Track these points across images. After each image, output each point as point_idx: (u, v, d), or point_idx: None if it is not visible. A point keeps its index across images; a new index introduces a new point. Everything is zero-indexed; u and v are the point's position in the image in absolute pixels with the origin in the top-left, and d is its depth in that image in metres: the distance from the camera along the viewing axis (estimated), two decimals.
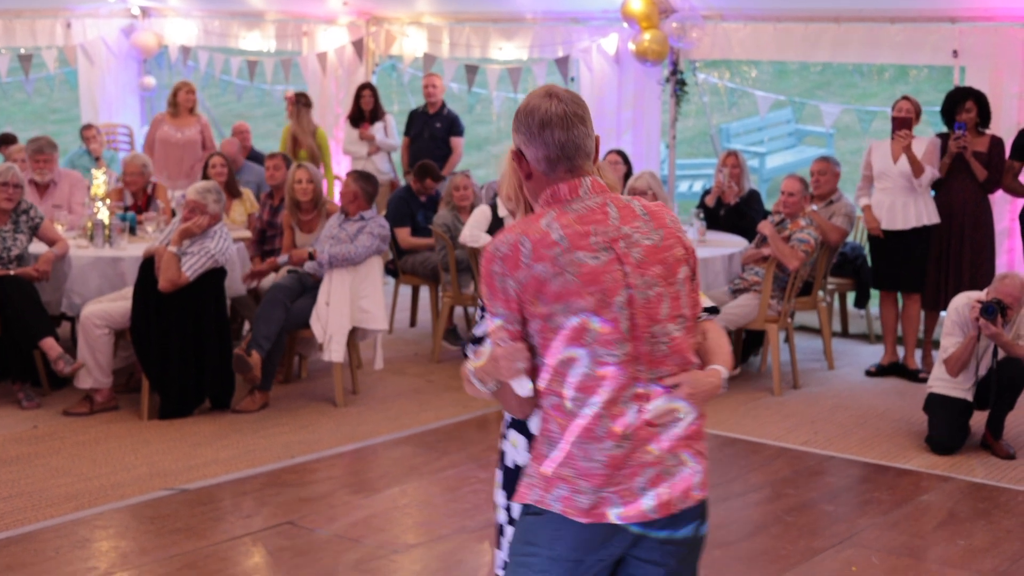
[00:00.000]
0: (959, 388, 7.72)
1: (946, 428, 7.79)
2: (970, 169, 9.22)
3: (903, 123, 9.13)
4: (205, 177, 10.10)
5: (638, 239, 3.25)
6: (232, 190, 10.34)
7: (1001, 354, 7.60)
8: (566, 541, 3.29)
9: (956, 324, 7.63)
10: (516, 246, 3.22)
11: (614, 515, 3.26)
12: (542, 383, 3.29)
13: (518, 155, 3.34)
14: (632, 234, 3.25)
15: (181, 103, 12.20)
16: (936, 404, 7.84)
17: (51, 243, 8.77)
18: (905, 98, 9.45)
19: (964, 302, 7.63)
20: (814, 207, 9.49)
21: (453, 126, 12.49)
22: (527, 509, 3.36)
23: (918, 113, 9.37)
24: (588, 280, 3.18)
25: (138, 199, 10.24)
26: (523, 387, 3.29)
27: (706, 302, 3.58)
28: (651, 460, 3.26)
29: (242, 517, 6.66)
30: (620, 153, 10.77)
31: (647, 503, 3.27)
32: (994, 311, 7.39)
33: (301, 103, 12.59)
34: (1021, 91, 9.76)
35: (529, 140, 3.28)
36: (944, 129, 9.51)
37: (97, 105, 15.11)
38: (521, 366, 3.27)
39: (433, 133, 12.41)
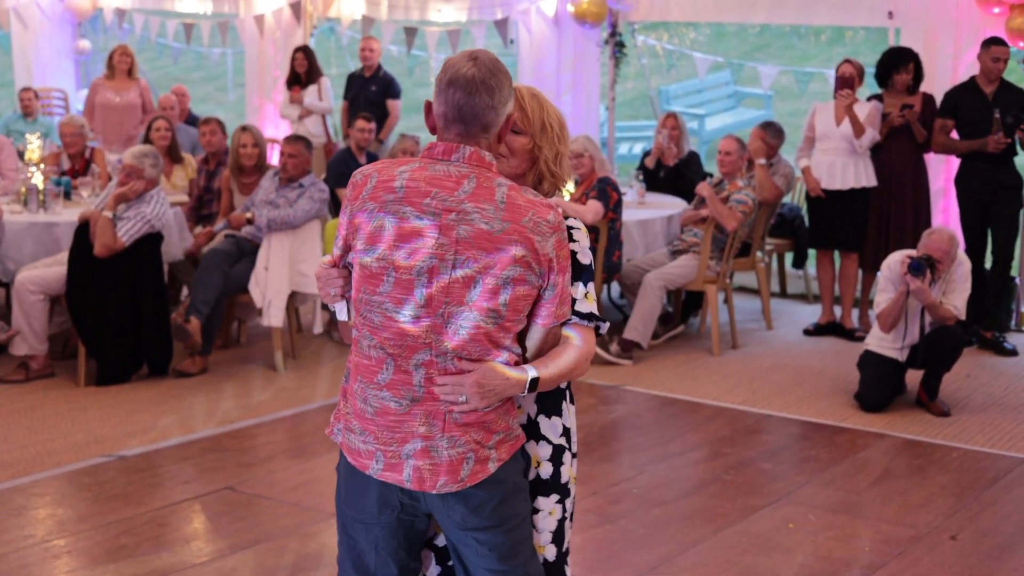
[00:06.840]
0: (891, 348, 7.80)
1: (875, 386, 7.88)
2: (906, 131, 9.29)
3: (845, 82, 9.19)
4: (147, 140, 9.99)
5: (474, 219, 3.16)
6: (174, 155, 10.25)
7: (929, 319, 7.67)
8: (350, 479, 3.40)
9: (889, 280, 7.70)
10: (367, 179, 3.26)
11: (374, 470, 3.30)
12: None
13: (428, 106, 3.32)
14: (471, 212, 3.16)
15: (116, 65, 12.07)
16: (868, 362, 7.92)
17: None
18: (847, 61, 9.53)
19: (897, 259, 7.70)
20: (762, 161, 9.53)
21: (389, 88, 12.39)
22: None
23: (861, 75, 9.44)
24: (400, 236, 3.18)
25: (76, 163, 10.13)
26: (340, 312, 3.39)
27: (585, 308, 3.40)
28: (424, 433, 3.24)
29: (181, 483, 6.63)
30: None
31: (407, 472, 3.27)
32: (922, 267, 7.46)
33: None
34: (955, 51, 9.83)
35: (437, 94, 3.26)
36: (878, 90, 9.58)
37: (31, 69, 14.86)
38: (333, 292, 3.34)
39: (369, 96, 12.30)
